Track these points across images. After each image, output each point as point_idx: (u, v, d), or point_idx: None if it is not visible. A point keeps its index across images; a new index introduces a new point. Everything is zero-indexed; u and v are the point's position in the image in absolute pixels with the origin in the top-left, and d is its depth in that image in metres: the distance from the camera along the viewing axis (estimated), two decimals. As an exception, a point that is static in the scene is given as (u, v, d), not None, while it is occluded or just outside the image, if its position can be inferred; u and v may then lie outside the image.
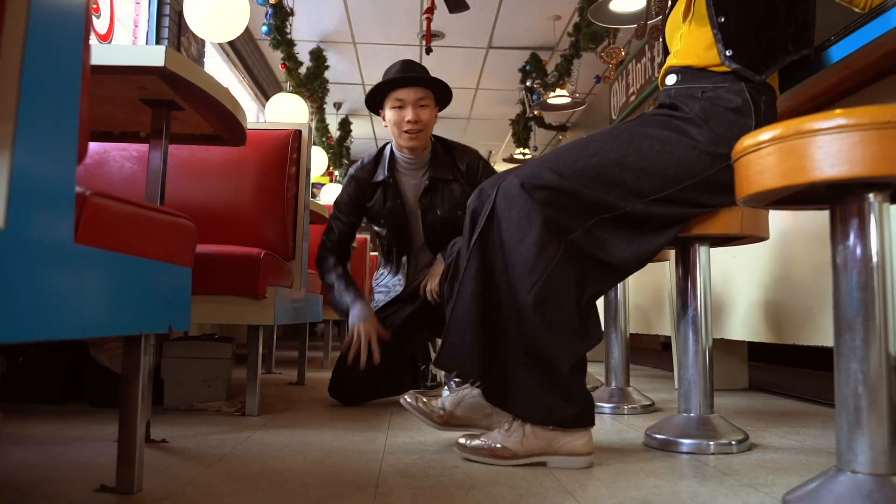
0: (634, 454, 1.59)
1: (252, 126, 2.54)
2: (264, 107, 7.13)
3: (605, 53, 4.89)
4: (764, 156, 1.05)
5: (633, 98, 6.55)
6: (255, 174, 2.45)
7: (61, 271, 0.82)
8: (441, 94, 2.45)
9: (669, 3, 1.86)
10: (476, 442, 1.48)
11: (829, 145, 0.97)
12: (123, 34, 4.37)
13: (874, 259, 1.05)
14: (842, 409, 1.07)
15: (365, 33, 6.90)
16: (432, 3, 4.95)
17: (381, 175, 2.45)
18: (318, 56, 6.07)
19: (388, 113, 2.39)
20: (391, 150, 2.48)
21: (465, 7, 5.23)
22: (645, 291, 3.43)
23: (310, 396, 2.58)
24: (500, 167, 11.48)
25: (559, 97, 6.22)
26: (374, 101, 2.43)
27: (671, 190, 1.49)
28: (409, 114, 2.33)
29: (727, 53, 1.57)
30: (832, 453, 1.40)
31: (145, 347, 1.21)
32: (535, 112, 6.60)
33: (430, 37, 4.52)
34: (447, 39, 6.87)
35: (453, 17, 5.19)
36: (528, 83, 6.60)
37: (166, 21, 4.69)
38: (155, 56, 1.39)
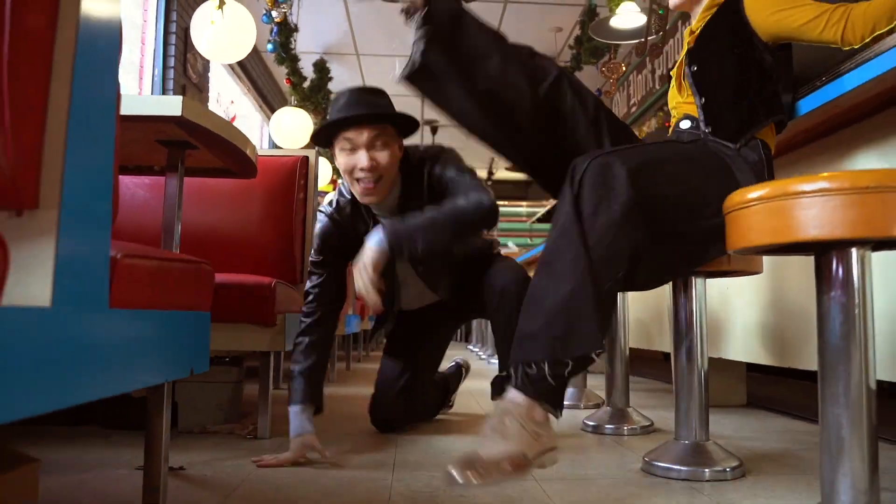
0: (633, 481, 1.65)
1: (261, 153, 2.61)
2: (269, 118, 7.21)
3: (606, 68, 4.96)
4: (752, 213, 1.12)
5: (633, 109, 6.63)
6: (263, 201, 2.52)
7: (97, 337, 0.89)
8: (404, 123, 2.00)
9: (668, 22, 1.97)
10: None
11: (813, 208, 1.04)
12: (131, 50, 4.44)
13: (856, 309, 1.11)
14: (825, 451, 1.14)
15: (368, 45, 6.98)
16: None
17: (363, 225, 2.05)
18: (321, 68, 6.15)
19: (339, 155, 1.93)
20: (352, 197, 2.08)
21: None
22: (647, 307, 3.49)
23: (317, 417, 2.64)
24: (505, 175, 11.54)
25: (561, 108, 6.28)
26: (325, 140, 1.98)
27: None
28: (362, 159, 1.87)
29: (706, 130, 1.70)
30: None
31: (168, 390, 1.27)
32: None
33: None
34: (449, 50, 6.93)
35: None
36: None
37: (173, 38, 4.76)
38: (172, 106, 1.46)
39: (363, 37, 6.79)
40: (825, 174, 1.05)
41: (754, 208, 1.11)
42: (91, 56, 0.85)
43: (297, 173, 2.56)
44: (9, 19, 0.75)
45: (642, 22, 4.24)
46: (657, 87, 5.95)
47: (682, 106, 1.81)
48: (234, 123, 5.71)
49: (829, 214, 1.02)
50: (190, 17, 4.94)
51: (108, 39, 0.90)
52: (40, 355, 0.75)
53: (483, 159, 11.86)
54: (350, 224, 2.06)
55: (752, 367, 3.22)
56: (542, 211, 8.65)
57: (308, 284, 2.08)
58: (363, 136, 1.87)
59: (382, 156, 1.90)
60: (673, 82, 1.91)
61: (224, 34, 3.46)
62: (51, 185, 0.80)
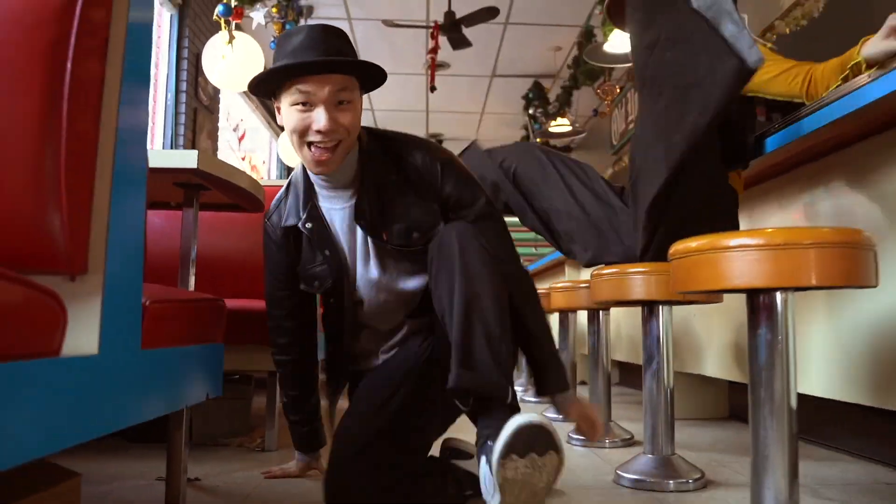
0: (603, 492, 1.83)
1: (267, 184, 2.80)
2: (276, 133, 7.43)
3: (601, 90, 5.16)
4: (691, 263, 1.30)
5: (632, 125, 6.82)
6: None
7: (133, 374, 1.08)
8: (369, 75, 1.56)
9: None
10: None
11: (739, 260, 1.22)
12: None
13: (779, 345, 1.29)
14: (753, 461, 1.32)
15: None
16: (436, 42, 5.21)
17: (292, 217, 1.63)
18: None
19: (287, 112, 1.50)
20: (303, 175, 1.65)
21: (468, 44, 5.51)
22: (635, 323, 3.66)
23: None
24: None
25: (560, 126, 6.49)
26: (266, 87, 1.56)
27: None
28: (320, 118, 1.46)
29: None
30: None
31: (186, 411, 1.46)
32: (538, 139, 6.87)
33: (434, 76, 4.79)
34: (453, 68, 7.13)
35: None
36: (530, 111, 6.86)
37: (185, 64, 4.98)
38: (189, 160, 1.65)
39: (368, 56, 7.00)
40: (748, 231, 1.23)
41: (692, 258, 1.30)
42: (127, 154, 1.05)
43: (302, 203, 2.75)
44: (65, 129, 0.95)
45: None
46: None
47: None
48: (244, 139, 5.88)
49: (750, 267, 1.21)
50: (201, 44, 5.17)
51: (139, 134, 1.10)
52: (91, 392, 0.94)
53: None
54: (277, 227, 1.68)
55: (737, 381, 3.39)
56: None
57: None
58: (324, 89, 1.46)
59: (345, 116, 1.49)
60: None
61: (234, 66, 3.67)
62: (97, 255, 0.99)
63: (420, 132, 9.59)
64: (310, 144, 1.51)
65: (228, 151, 6.40)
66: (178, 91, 4.96)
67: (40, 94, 0.95)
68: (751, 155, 1.98)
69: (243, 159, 6.82)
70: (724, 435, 2.75)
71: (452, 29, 5.13)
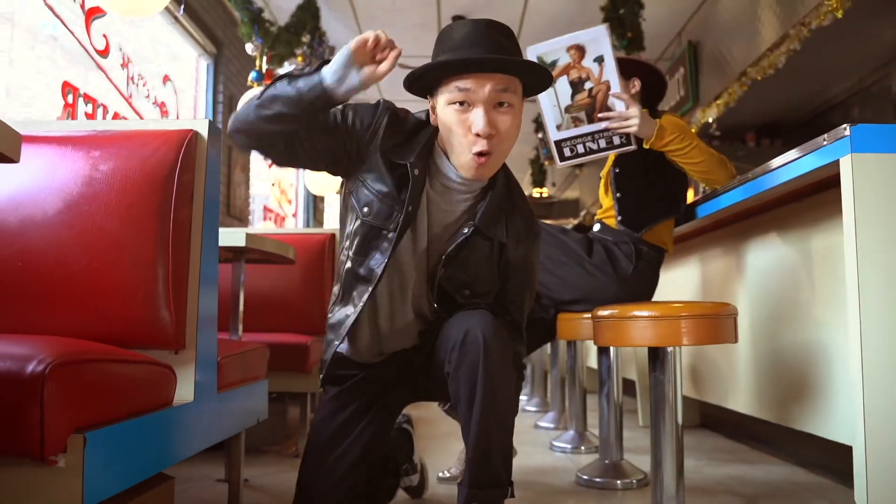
0: (563, 489, 2.32)
1: (298, 231, 3.34)
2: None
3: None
4: (604, 325, 1.80)
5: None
6: (301, 270, 3.23)
7: (213, 411, 1.61)
8: (533, 79, 1.48)
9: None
10: None
11: (633, 326, 1.72)
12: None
13: (668, 384, 1.78)
14: (652, 471, 1.81)
15: (392, 92, 7.71)
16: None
17: (409, 155, 1.48)
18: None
19: (444, 110, 1.43)
20: (436, 147, 1.52)
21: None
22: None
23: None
24: (528, 191, 12.14)
25: (565, 149, 6.95)
26: (422, 84, 1.48)
27: None
28: (478, 120, 1.38)
29: (619, 219, 2.34)
30: (705, 490, 2.11)
31: (242, 432, 1.99)
32: (547, 162, 7.31)
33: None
34: (466, 95, 7.62)
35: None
36: (540, 135, 7.33)
37: (220, 108, 5.54)
38: (240, 238, 2.18)
39: (386, 89, 7.53)
40: (641, 304, 1.72)
41: (605, 322, 1.79)
42: (207, 266, 1.57)
43: (325, 248, 3.28)
44: (171, 255, 1.47)
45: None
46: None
47: (598, 213, 2.48)
48: (271, 170, 6.40)
49: (640, 331, 1.70)
50: (234, 86, 5.73)
51: (213, 252, 1.62)
52: (190, 426, 1.47)
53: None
54: (413, 167, 1.48)
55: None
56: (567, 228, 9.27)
57: None
58: (485, 87, 1.38)
59: (505, 122, 1.41)
60: (601, 182, 2.55)
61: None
62: (191, 336, 1.52)
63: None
64: (469, 151, 1.41)
65: (258, 180, 6.96)
66: (215, 131, 5.53)
67: (154, 233, 1.48)
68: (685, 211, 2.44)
69: (273, 185, 7.38)
70: (688, 441, 3.22)
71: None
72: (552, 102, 2.27)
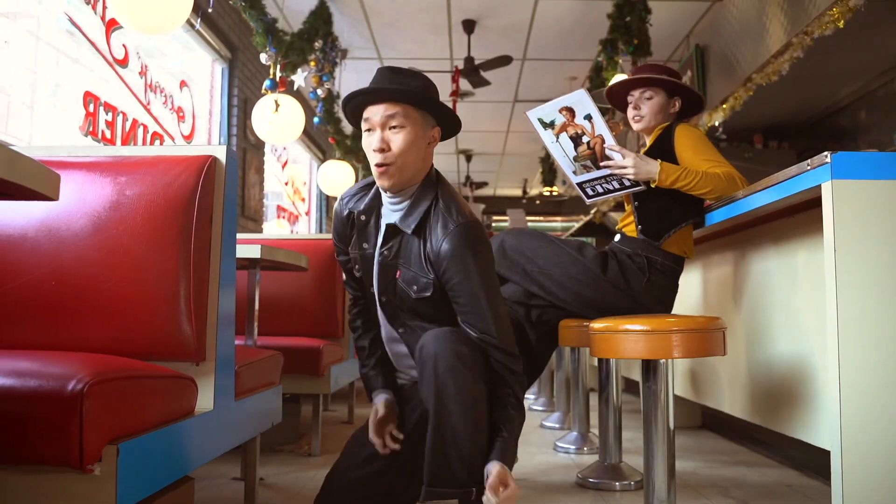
0: (564, 489, 2.43)
1: (309, 237, 3.45)
2: (316, 157, 8.11)
3: (608, 126, 5.70)
4: (599, 338, 1.90)
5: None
6: (312, 276, 3.35)
7: (232, 417, 1.72)
8: (438, 113, 1.79)
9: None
10: None
11: (626, 339, 1.81)
12: (202, 125, 5.35)
13: (661, 393, 1.88)
14: (645, 473, 1.91)
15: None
16: (457, 85, 5.82)
17: (356, 205, 1.87)
18: (362, 117, 6.94)
19: (363, 136, 1.78)
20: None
21: (486, 83, 6.10)
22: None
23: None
24: (539, 189, 12.22)
25: (575, 149, 7.05)
26: (353, 117, 1.85)
27: None
28: (374, 140, 1.72)
29: (639, 228, 2.42)
30: (699, 492, 2.21)
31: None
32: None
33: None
34: (478, 96, 7.72)
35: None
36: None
37: (235, 111, 5.67)
38: (255, 251, 2.29)
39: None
40: (634, 318, 1.82)
41: (601, 335, 1.89)
42: (226, 283, 1.69)
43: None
44: (192, 274, 1.58)
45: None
46: (658, 133, 6.74)
47: (622, 222, 2.55)
48: (286, 168, 6.55)
49: (632, 344, 1.80)
50: (248, 90, 5.86)
51: (232, 269, 1.73)
52: (210, 432, 1.59)
53: (517, 179, 12.66)
54: (342, 209, 1.91)
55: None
56: (576, 225, 9.34)
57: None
58: (378, 114, 1.72)
59: (396, 139, 1.71)
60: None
61: (280, 125, 4.33)
62: (210, 348, 1.63)
63: (450, 147, 10.21)
64: (375, 163, 1.73)
65: (273, 179, 7.09)
66: (229, 135, 5.65)
67: (177, 253, 1.59)
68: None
69: (286, 184, 7.51)
70: (683, 443, 3.31)
71: (472, 73, 5.72)
72: (562, 153, 2.48)
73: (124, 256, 1.58)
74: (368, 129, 1.74)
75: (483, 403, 1.61)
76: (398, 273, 1.77)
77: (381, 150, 1.71)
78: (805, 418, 2.05)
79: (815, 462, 2.67)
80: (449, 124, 1.82)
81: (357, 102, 1.76)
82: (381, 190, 1.81)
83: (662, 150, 2.46)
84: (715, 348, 1.82)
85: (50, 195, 1.12)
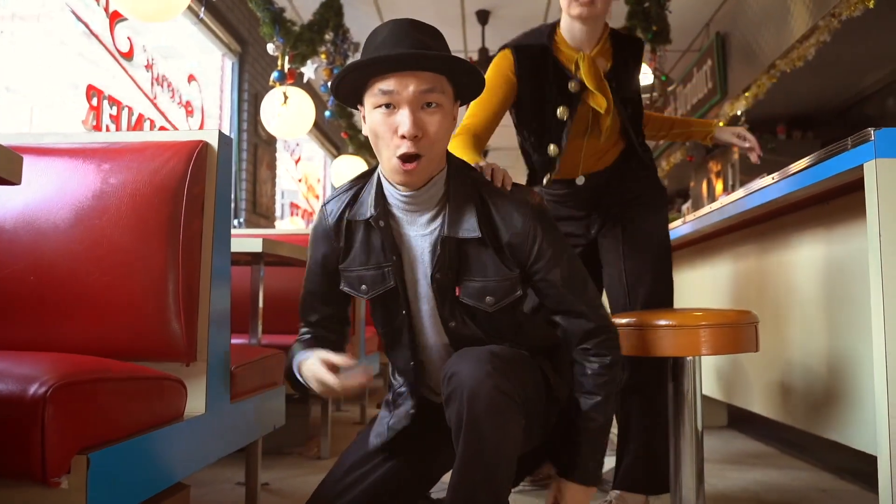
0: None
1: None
2: (329, 152, 8.01)
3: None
4: (623, 334, 1.76)
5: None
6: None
7: (227, 421, 1.61)
8: (463, 79, 1.38)
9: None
10: None
11: (652, 336, 1.68)
12: (212, 121, 5.26)
13: (689, 403, 1.75)
14: (674, 475, 1.78)
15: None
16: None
17: (365, 211, 1.45)
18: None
19: (371, 115, 1.35)
20: (378, 178, 1.46)
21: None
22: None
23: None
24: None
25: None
26: (349, 91, 1.39)
27: None
28: (405, 121, 1.30)
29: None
30: (728, 496, 2.07)
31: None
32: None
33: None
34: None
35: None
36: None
37: (245, 105, 5.57)
38: (256, 245, 2.18)
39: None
40: (665, 313, 1.69)
41: (624, 331, 1.75)
42: (219, 279, 1.57)
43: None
44: (181, 268, 1.47)
45: (651, 80, 4.82)
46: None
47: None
48: (298, 165, 6.45)
49: (660, 340, 1.66)
50: (259, 85, 5.76)
51: (226, 266, 1.62)
52: (203, 437, 1.47)
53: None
54: (338, 217, 1.49)
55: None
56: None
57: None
58: (409, 87, 1.29)
59: (433, 122, 1.32)
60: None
61: (289, 119, 4.22)
62: (202, 348, 1.52)
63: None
64: (394, 157, 1.32)
65: (287, 177, 7.00)
66: (240, 130, 5.55)
67: (165, 245, 1.48)
68: None
69: (300, 181, 7.42)
70: (714, 444, 3.17)
71: (486, 64, 5.57)
72: None
73: (108, 248, 1.46)
74: (388, 106, 1.31)
75: (520, 439, 1.31)
76: (458, 291, 1.42)
77: (415, 137, 1.30)
78: (846, 420, 1.90)
79: (850, 464, 2.52)
80: (468, 94, 1.43)
81: (365, 73, 1.32)
82: (391, 186, 1.41)
83: (629, 69, 2.07)
84: (747, 344, 1.68)
85: (10, 179, 1.01)
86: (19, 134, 2.18)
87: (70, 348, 1.40)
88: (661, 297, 2.03)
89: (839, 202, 1.96)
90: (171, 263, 1.47)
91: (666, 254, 2.07)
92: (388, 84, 1.30)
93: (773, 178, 1.93)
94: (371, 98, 1.33)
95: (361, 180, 1.50)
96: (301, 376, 1.43)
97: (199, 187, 1.52)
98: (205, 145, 1.56)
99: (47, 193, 1.50)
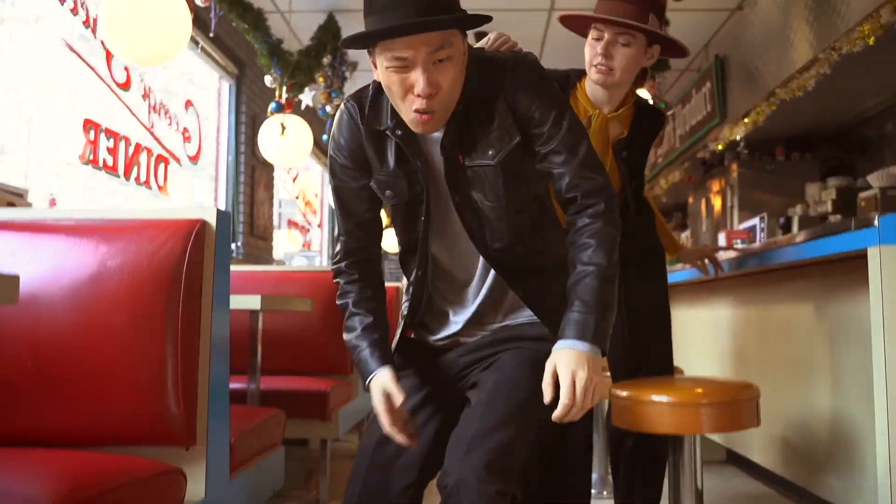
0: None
1: (315, 269, 3.33)
2: (325, 166, 7.99)
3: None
4: (620, 406, 1.75)
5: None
6: (319, 310, 3.22)
7: (226, 498, 1.60)
8: (471, 25, 1.38)
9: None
10: None
11: (651, 412, 1.67)
12: (209, 145, 5.25)
13: (687, 480, 1.74)
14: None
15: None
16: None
17: (384, 121, 1.46)
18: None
19: (384, 73, 1.35)
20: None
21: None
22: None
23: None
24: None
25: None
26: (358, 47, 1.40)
27: None
28: (419, 81, 1.31)
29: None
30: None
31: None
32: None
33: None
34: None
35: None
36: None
37: (243, 128, 5.56)
38: (255, 303, 2.17)
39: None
40: (658, 390, 1.68)
41: (623, 402, 1.74)
42: (218, 362, 1.56)
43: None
44: (180, 350, 1.46)
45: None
46: (677, 145, 6.57)
47: None
48: (296, 181, 6.43)
49: (657, 417, 1.65)
50: (256, 107, 5.74)
51: (224, 345, 1.61)
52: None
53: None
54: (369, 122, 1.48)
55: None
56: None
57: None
58: (420, 52, 1.30)
59: (446, 77, 1.33)
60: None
61: (287, 147, 4.21)
62: (201, 432, 1.51)
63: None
64: (412, 110, 1.35)
65: (283, 192, 6.99)
66: (237, 152, 5.54)
67: (163, 328, 1.47)
68: None
69: (297, 198, 7.41)
70: (713, 483, 3.15)
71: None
72: None
73: (106, 333, 1.45)
74: (400, 68, 1.32)
75: None
76: (463, 160, 1.44)
77: (430, 94, 1.32)
78: (847, 482, 1.90)
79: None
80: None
81: (374, 39, 1.32)
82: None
83: (644, 142, 2.03)
84: (747, 421, 1.67)
85: (7, 301, 1.00)
86: (12, 209, 2.17)
87: (68, 436, 1.40)
88: (662, 363, 2.03)
89: (841, 265, 1.95)
90: (169, 347, 1.46)
91: (665, 318, 2.06)
92: (399, 50, 1.30)
93: (775, 243, 1.92)
94: (382, 58, 1.33)
95: (377, 96, 1.48)
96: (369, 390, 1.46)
97: (197, 269, 1.51)
98: (203, 224, 1.55)
99: (44, 275, 1.48)
